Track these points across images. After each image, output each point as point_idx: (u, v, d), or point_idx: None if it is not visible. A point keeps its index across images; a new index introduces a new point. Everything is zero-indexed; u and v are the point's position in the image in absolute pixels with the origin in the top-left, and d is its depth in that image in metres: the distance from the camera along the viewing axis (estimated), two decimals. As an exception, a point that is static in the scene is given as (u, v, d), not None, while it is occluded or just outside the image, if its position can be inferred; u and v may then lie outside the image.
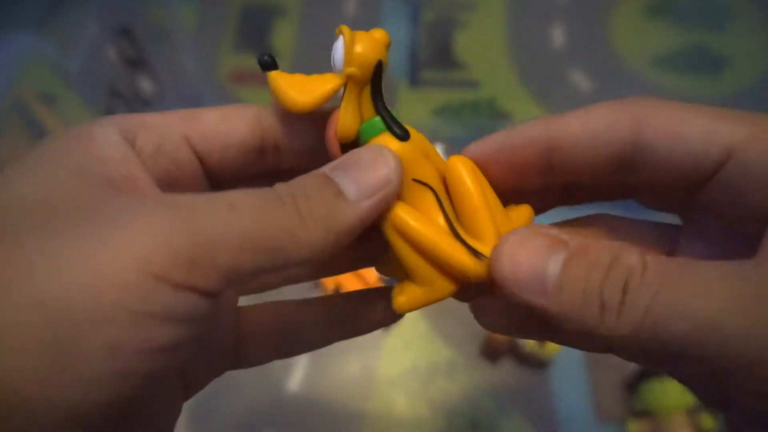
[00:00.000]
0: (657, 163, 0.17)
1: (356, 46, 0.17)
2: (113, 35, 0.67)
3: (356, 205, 0.16)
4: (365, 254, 0.21)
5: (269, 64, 0.18)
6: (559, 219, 0.21)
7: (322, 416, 0.47)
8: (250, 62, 0.65)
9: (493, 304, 0.20)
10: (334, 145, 0.18)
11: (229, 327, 0.21)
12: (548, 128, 0.18)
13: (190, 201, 0.14)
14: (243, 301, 0.22)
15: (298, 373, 0.49)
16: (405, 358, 0.49)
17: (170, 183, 0.17)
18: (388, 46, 0.18)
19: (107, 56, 0.66)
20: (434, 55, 0.66)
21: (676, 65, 0.64)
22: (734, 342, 0.13)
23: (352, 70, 0.17)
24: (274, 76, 0.18)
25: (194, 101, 0.61)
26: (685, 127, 0.16)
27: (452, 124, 0.61)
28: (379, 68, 0.18)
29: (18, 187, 0.14)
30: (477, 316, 0.20)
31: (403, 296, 0.19)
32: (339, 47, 0.18)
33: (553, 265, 0.15)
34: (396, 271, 0.20)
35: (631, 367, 0.47)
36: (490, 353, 0.49)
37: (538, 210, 0.20)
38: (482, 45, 0.66)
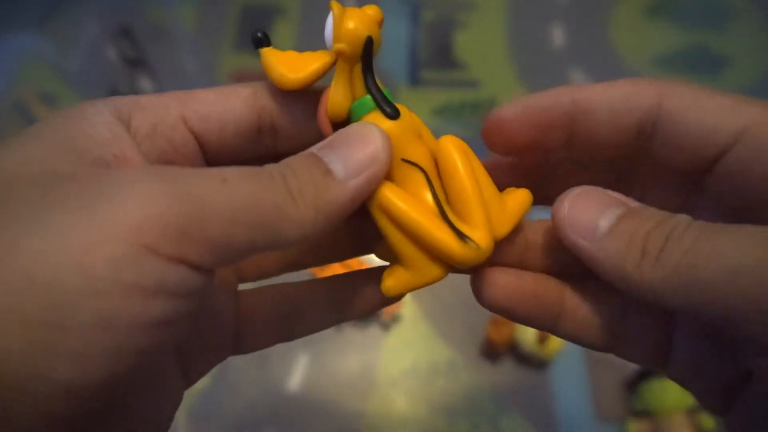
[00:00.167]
0: (674, 135, 0.17)
1: (345, 22, 0.17)
2: (113, 35, 0.67)
3: (345, 184, 0.16)
4: (363, 240, 0.21)
5: (262, 40, 0.18)
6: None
7: (322, 416, 0.47)
8: (250, 62, 0.65)
9: (494, 283, 0.20)
10: (325, 124, 0.18)
11: (228, 311, 0.21)
12: (575, 91, 0.18)
13: (181, 173, 0.14)
14: (243, 285, 0.22)
15: (298, 373, 0.49)
16: (405, 358, 0.49)
17: (167, 164, 0.17)
18: (380, 23, 0.18)
19: (107, 56, 0.66)
20: (434, 55, 0.66)
21: (676, 65, 0.64)
22: (763, 292, 0.13)
23: (341, 46, 0.17)
24: (267, 53, 0.18)
25: (194, 101, 0.61)
26: (705, 102, 0.17)
27: (452, 124, 0.61)
28: (369, 44, 0.17)
29: (6, 163, 0.14)
30: (478, 295, 0.20)
31: (390, 279, 0.18)
32: (329, 23, 0.17)
33: (609, 216, 0.17)
34: (392, 255, 0.20)
35: (631, 367, 0.47)
36: (490, 353, 0.49)
37: (548, 196, 0.21)
38: (482, 45, 0.66)
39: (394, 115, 0.18)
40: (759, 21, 0.66)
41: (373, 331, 0.50)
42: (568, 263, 0.19)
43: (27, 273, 0.12)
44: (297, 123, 0.19)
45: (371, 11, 0.18)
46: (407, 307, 0.51)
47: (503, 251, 0.19)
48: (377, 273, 0.21)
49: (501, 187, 0.19)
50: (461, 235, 0.17)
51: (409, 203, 0.17)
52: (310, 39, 0.66)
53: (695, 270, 0.14)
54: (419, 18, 0.68)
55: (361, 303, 0.22)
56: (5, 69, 0.66)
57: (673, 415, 0.44)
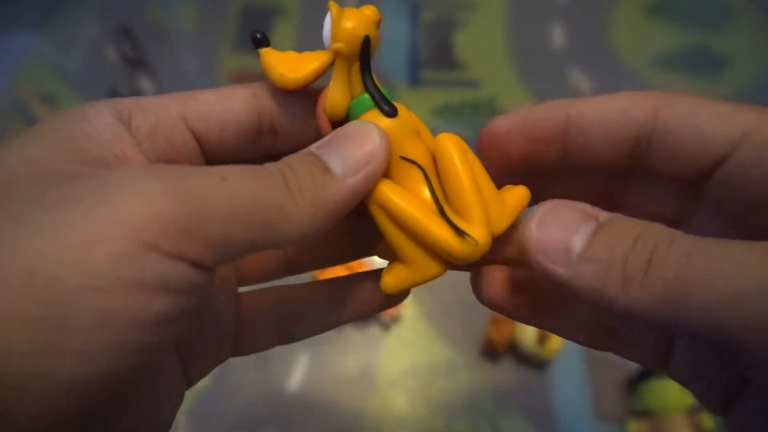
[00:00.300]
0: (671, 145, 0.17)
1: (342, 22, 0.17)
2: (113, 35, 0.67)
3: (343, 182, 0.16)
4: (363, 241, 0.21)
5: (261, 41, 0.18)
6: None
7: (322, 416, 0.47)
8: (250, 62, 0.65)
9: (494, 280, 0.20)
10: (324, 123, 0.18)
11: (229, 312, 0.21)
12: (569, 105, 0.18)
13: (181, 171, 0.14)
14: (243, 288, 0.22)
15: (298, 373, 0.49)
16: (405, 358, 0.49)
17: (167, 164, 0.17)
18: (378, 23, 0.18)
19: (107, 56, 0.66)
20: (434, 55, 0.66)
21: (676, 65, 0.64)
22: (759, 314, 0.13)
23: (339, 45, 0.17)
24: (266, 53, 0.18)
25: (194, 101, 0.61)
26: (701, 111, 0.17)
27: (452, 124, 0.61)
28: (366, 44, 0.17)
29: (9, 162, 0.14)
30: (477, 292, 0.20)
31: (389, 276, 0.18)
32: (327, 23, 0.17)
33: (581, 236, 0.15)
34: (391, 254, 0.20)
35: (631, 367, 0.47)
36: (490, 353, 0.49)
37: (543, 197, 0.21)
38: (482, 45, 0.66)
39: (392, 113, 0.18)
40: (759, 21, 0.66)
41: (373, 331, 0.50)
42: None
43: (28, 271, 0.12)
44: (296, 123, 0.19)
45: (369, 11, 0.18)
46: (407, 307, 0.51)
47: (501, 247, 0.19)
48: (377, 275, 0.21)
49: (499, 184, 0.19)
50: (459, 231, 0.17)
51: (407, 200, 0.17)
52: (310, 39, 0.66)
53: (688, 296, 0.13)
54: (419, 18, 0.68)
55: (362, 305, 0.22)
56: (5, 69, 0.66)
57: (673, 415, 0.44)
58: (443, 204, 0.18)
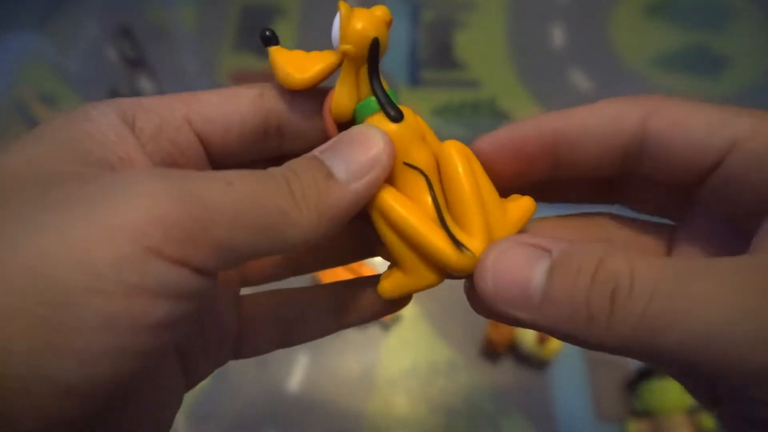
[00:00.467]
0: (661, 155, 0.17)
1: (352, 23, 0.17)
2: (113, 35, 0.67)
3: (347, 187, 0.16)
4: (366, 243, 0.21)
5: (270, 39, 0.18)
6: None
7: (322, 416, 0.47)
8: (250, 62, 0.65)
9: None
10: (330, 125, 0.18)
11: (230, 315, 0.21)
12: (556, 120, 0.18)
13: (186, 175, 0.14)
14: (245, 290, 0.22)
15: (298, 373, 0.49)
16: (405, 358, 0.49)
17: (171, 166, 0.17)
18: (389, 24, 0.18)
19: (107, 56, 0.66)
20: (434, 55, 0.66)
21: (676, 65, 0.64)
22: (735, 353, 0.13)
23: (347, 47, 0.17)
24: (274, 51, 0.18)
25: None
26: (691, 119, 0.16)
27: (452, 124, 0.61)
28: (375, 46, 0.17)
29: (10, 163, 0.14)
30: (472, 303, 0.20)
31: (387, 282, 0.18)
32: (336, 23, 0.17)
33: (538, 277, 0.15)
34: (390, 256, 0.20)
35: (631, 367, 0.47)
36: (490, 353, 0.49)
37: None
38: (482, 45, 0.66)
39: (397, 117, 0.17)
40: (759, 21, 0.66)
41: (373, 331, 0.50)
42: None
43: (29, 271, 0.12)
44: (304, 124, 0.19)
45: (379, 12, 0.17)
46: (407, 307, 0.51)
47: None
48: (376, 281, 0.21)
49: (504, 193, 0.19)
50: (457, 244, 0.17)
51: (408, 208, 0.17)
52: (310, 39, 0.66)
53: (654, 337, 0.13)
54: (419, 18, 0.68)
55: (364, 310, 0.21)
56: (5, 69, 0.65)
57: (673, 415, 0.44)
58: (444, 213, 0.18)
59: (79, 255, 0.12)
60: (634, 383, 0.46)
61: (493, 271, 0.16)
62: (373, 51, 0.17)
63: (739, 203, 0.17)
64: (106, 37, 0.67)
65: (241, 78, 0.64)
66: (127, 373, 0.13)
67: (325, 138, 0.18)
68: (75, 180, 0.14)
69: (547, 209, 0.21)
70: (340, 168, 0.16)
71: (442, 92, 0.63)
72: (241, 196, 0.14)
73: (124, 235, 0.12)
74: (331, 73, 0.18)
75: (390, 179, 0.17)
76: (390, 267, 0.19)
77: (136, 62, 0.65)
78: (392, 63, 0.65)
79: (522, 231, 0.19)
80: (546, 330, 0.15)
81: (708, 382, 0.17)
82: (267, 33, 0.18)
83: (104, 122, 0.16)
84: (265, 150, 0.19)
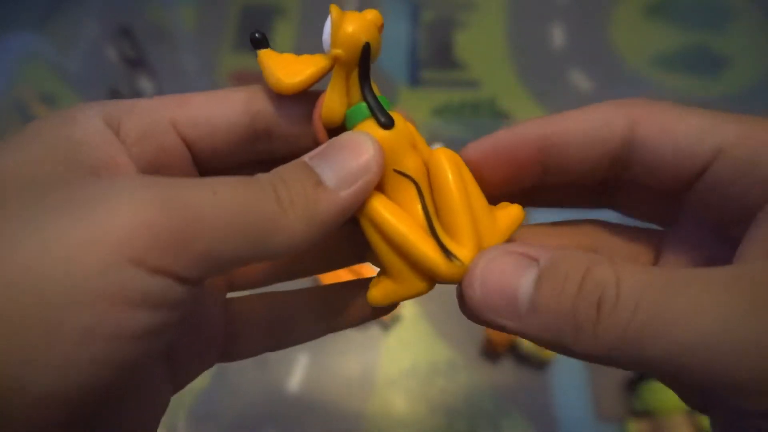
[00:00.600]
0: (648, 161, 0.17)
1: (343, 27, 0.17)
2: (113, 35, 0.67)
3: (336, 195, 0.16)
4: (357, 248, 0.21)
5: (260, 41, 0.18)
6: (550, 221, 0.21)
7: (322, 416, 0.47)
8: (250, 62, 0.65)
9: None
10: (320, 130, 0.18)
11: (218, 319, 0.21)
12: (543, 125, 0.18)
13: (171, 184, 0.14)
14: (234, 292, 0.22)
15: (298, 373, 0.49)
16: (405, 358, 0.49)
17: (157, 170, 0.17)
18: (380, 28, 0.17)
19: (107, 56, 0.66)
20: (434, 55, 0.66)
21: (676, 65, 0.64)
22: (721, 364, 0.13)
23: (337, 51, 0.17)
24: (264, 55, 0.17)
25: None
26: (677, 125, 0.16)
27: (452, 124, 0.61)
28: (366, 50, 0.17)
29: None
30: (463, 311, 0.20)
31: (376, 290, 0.18)
32: (327, 27, 0.17)
33: (525, 286, 0.15)
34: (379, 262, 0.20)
35: (631, 367, 0.47)
36: (490, 353, 0.49)
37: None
38: (482, 45, 0.66)
39: (388, 124, 0.17)
40: (759, 21, 0.66)
41: (373, 331, 0.50)
42: None
43: (10, 281, 0.12)
44: (293, 127, 0.18)
45: (371, 15, 0.17)
46: (407, 307, 0.51)
47: None
48: (365, 284, 0.21)
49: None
50: (447, 253, 0.17)
51: (397, 216, 0.17)
52: (309, 39, 0.66)
53: (640, 346, 0.13)
54: (419, 18, 0.68)
55: (352, 314, 0.21)
56: (5, 69, 0.65)
57: (673, 415, 0.44)
58: (434, 221, 0.17)
59: (59, 264, 0.12)
60: (634, 383, 0.46)
61: (480, 280, 0.16)
62: (364, 56, 0.17)
63: (725, 209, 0.17)
64: (106, 37, 0.67)
65: (241, 78, 0.64)
66: (109, 383, 0.13)
67: (315, 142, 0.18)
68: (60, 188, 0.13)
69: (536, 213, 0.21)
70: (330, 174, 0.16)
71: (442, 92, 0.63)
72: (226, 204, 0.14)
73: (106, 244, 0.12)
74: (322, 77, 0.17)
75: (380, 186, 0.17)
76: (379, 274, 0.19)
77: (136, 62, 0.65)
78: (392, 63, 0.65)
79: (510, 239, 0.19)
80: (533, 339, 0.15)
81: (696, 391, 0.17)
82: (257, 35, 0.18)
83: (90, 126, 0.16)
84: (253, 153, 0.19)
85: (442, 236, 0.17)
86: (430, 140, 0.59)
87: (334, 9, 0.17)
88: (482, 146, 0.19)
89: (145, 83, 0.64)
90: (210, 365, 0.21)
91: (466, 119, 0.61)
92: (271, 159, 0.19)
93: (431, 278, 0.18)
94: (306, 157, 0.16)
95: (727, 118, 0.16)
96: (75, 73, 0.65)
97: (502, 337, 0.47)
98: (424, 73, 0.65)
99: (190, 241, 0.13)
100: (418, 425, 0.46)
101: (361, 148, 0.16)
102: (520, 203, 0.20)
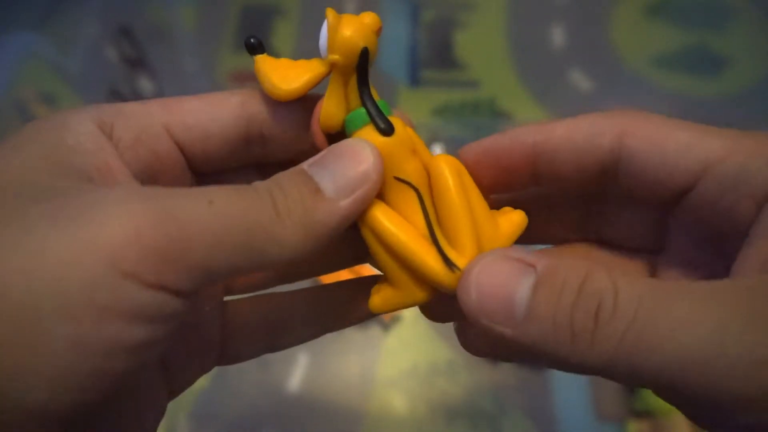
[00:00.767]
0: (637, 173, 0.17)
1: (340, 31, 0.16)
2: (113, 35, 0.67)
3: (335, 204, 0.15)
4: (356, 250, 0.21)
5: (256, 47, 0.17)
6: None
7: (322, 416, 0.47)
8: (250, 62, 0.65)
9: (477, 333, 0.19)
10: (318, 136, 0.17)
11: (213, 323, 0.20)
12: (535, 133, 0.18)
13: (166, 194, 0.13)
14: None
15: (298, 373, 0.49)
16: (405, 358, 0.49)
17: (151, 175, 0.17)
18: (378, 32, 0.17)
19: (107, 56, 0.66)
20: (434, 55, 0.66)
21: (676, 65, 0.63)
22: (716, 376, 0.13)
23: (335, 57, 0.16)
24: (260, 60, 0.17)
25: (194, 101, 0.61)
26: (666, 139, 0.16)
27: (452, 124, 0.61)
28: (365, 55, 0.17)
29: None
30: (463, 345, 0.20)
31: (378, 297, 0.18)
32: (323, 32, 0.17)
33: (522, 293, 0.15)
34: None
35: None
36: (490, 353, 0.49)
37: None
38: (482, 45, 0.66)
39: (388, 131, 0.17)
40: (759, 21, 0.66)
41: (373, 331, 0.50)
42: None
43: (1, 293, 0.11)
44: (288, 132, 0.18)
45: (368, 19, 0.17)
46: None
47: None
48: (363, 284, 0.21)
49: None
50: (448, 262, 0.17)
51: (398, 225, 0.17)
52: (310, 39, 0.65)
53: (636, 359, 0.13)
54: (419, 18, 0.68)
55: (349, 313, 0.21)
56: (5, 69, 0.65)
57: (673, 415, 0.44)
58: (435, 229, 0.17)
59: (52, 278, 0.12)
60: (634, 383, 0.46)
61: (476, 284, 0.15)
62: (363, 61, 0.17)
63: (714, 224, 0.17)
64: (106, 37, 0.67)
65: (241, 78, 0.64)
66: (102, 394, 0.12)
67: (310, 145, 0.17)
68: (55, 196, 0.13)
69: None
70: (329, 183, 0.16)
71: (442, 92, 0.63)
72: (222, 215, 0.13)
73: (99, 257, 0.12)
74: (318, 83, 0.17)
75: (380, 193, 0.17)
76: (381, 280, 0.19)
77: (136, 62, 0.65)
78: (392, 63, 0.65)
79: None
80: (529, 348, 0.15)
81: (692, 405, 0.17)
82: (252, 41, 0.17)
83: (82, 132, 0.15)
84: (248, 157, 0.19)
85: (443, 244, 0.17)
86: (430, 140, 0.59)
87: (330, 13, 0.16)
88: (475, 149, 0.19)
89: (145, 83, 0.64)
90: (207, 370, 0.21)
91: (466, 119, 0.61)
92: (266, 163, 0.19)
93: (432, 287, 0.17)
94: (305, 165, 0.16)
95: (715, 133, 0.16)
96: (75, 73, 0.65)
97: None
98: (424, 73, 0.65)
99: (183, 254, 0.13)
100: (418, 425, 0.46)
101: (361, 156, 0.16)
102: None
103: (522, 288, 0.15)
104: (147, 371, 0.18)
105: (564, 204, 0.20)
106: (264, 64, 0.17)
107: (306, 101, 0.18)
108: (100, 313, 0.12)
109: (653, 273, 0.19)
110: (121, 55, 0.66)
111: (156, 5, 0.70)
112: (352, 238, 0.21)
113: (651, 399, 0.45)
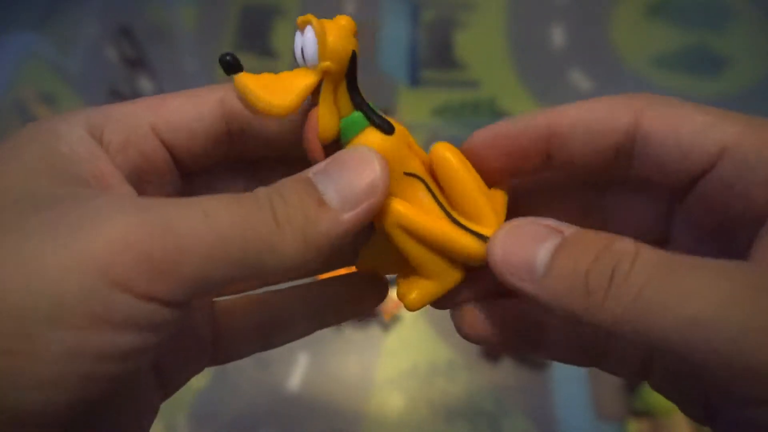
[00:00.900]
0: (652, 156, 0.17)
1: (330, 38, 0.16)
2: (113, 35, 0.67)
3: (339, 216, 0.15)
4: (346, 253, 0.21)
5: (232, 65, 0.16)
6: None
7: (321, 416, 0.47)
8: (251, 63, 0.65)
9: (474, 319, 0.19)
10: (317, 149, 0.17)
11: (205, 324, 0.20)
12: (549, 115, 0.18)
13: (162, 206, 0.13)
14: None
15: (298, 373, 0.49)
16: (405, 358, 0.49)
17: (140, 176, 0.17)
18: (356, 34, 0.17)
19: (107, 56, 0.66)
20: (434, 55, 0.66)
21: (676, 65, 0.64)
22: (721, 343, 0.13)
23: (326, 64, 0.16)
24: (242, 78, 0.17)
25: (194, 101, 0.61)
26: (683, 122, 0.16)
27: (452, 124, 0.61)
28: (354, 59, 0.16)
29: None
30: (459, 330, 0.20)
31: (414, 293, 0.18)
32: (310, 40, 0.16)
33: (544, 252, 0.15)
34: (385, 266, 0.20)
35: (631, 367, 0.47)
36: (490, 353, 0.49)
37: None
38: (482, 45, 0.66)
39: (389, 130, 0.17)
40: (759, 21, 0.66)
41: (373, 331, 0.50)
42: None
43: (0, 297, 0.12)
44: (267, 127, 0.18)
45: (344, 21, 0.16)
46: (407, 307, 0.51)
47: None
48: (355, 279, 0.21)
49: None
50: (480, 237, 0.17)
51: (423, 216, 0.17)
52: (310, 39, 0.65)
53: (647, 317, 0.13)
54: (419, 18, 0.68)
55: (342, 308, 0.21)
56: (5, 69, 0.65)
57: (673, 415, 0.44)
58: (452, 212, 0.18)
59: (47, 286, 0.12)
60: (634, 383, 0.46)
61: (503, 242, 0.16)
62: (352, 65, 0.17)
63: (724, 213, 0.16)
64: (106, 37, 0.67)
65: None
66: (94, 399, 0.13)
67: (292, 138, 0.17)
68: (52, 204, 0.13)
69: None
70: (333, 194, 0.15)
71: (442, 92, 0.63)
72: (218, 228, 0.13)
73: (92, 267, 0.12)
74: (311, 92, 0.17)
75: (390, 190, 0.17)
76: (398, 281, 0.19)
77: (136, 62, 0.65)
78: (392, 63, 0.65)
79: None
80: (546, 304, 0.15)
81: (701, 390, 0.17)
82: (228, 58, 0.16)
83: (74, 138, 0.15)
84: (233, 154, 0.18)
85: (465, 223, 0.18)
86: (430, 140, 0.59)
87: (313, 19, 0.16)
88: (488, 133, 0.19)
89: (145, 83, 0.64)
90: (200, 370, 0.21)
91: (466, 119, 0.61)
92: (253, 160, 0.19)
93: (462, 266, 0.18)
94: (310, 173, 0.16)
95: (732, 116, 0.16)
96: (75, 73, 0.65)
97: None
98: (424, 73, 0.65)
99: (176, 265, 0.13)
100: (417, 425, 0.46)
101: (368, 166, 0.16)
102: (519, 214, 0.20)
103: (545, 247, 0.15)
104: (140, 375, 0.18)
105: (569, 194, 0.20)
106: (247, 81, 0.16)
107: None
108: (92, 321, 0.12)
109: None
110: (121, 55, 0.66)
111: (156, 5, 0.70)
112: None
113: (651, 399, 0.45)
